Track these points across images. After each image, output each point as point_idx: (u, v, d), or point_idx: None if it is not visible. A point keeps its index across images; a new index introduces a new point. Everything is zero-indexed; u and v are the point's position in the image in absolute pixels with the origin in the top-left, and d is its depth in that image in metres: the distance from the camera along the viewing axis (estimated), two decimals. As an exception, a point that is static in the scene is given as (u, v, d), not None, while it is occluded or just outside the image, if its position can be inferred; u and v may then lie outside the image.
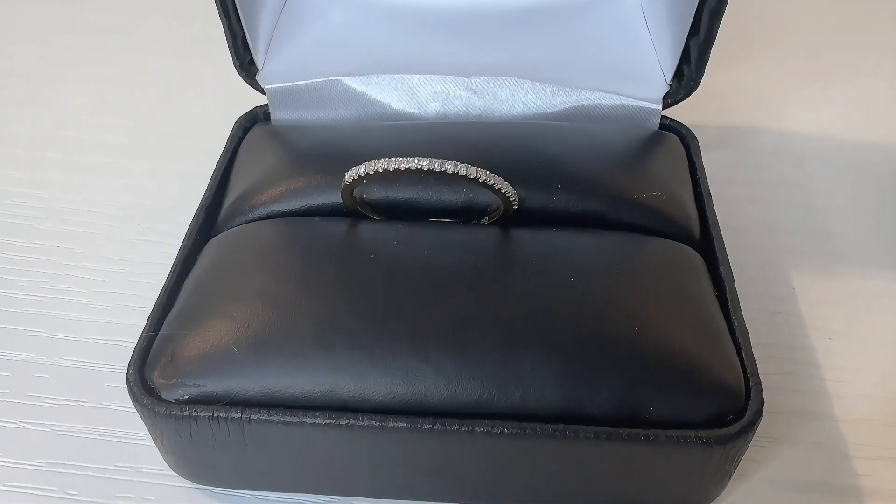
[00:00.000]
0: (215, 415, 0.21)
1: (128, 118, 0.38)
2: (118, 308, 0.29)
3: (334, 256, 0.23)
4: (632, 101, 0.29)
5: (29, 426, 0.26)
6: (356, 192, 0.24)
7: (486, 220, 0.24)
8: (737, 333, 0.22)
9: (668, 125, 0.30)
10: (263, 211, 0.25)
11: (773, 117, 0.37)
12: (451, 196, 0.25)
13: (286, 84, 0.30)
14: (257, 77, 0.30)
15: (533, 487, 0.22)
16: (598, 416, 0.20)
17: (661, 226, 0.25)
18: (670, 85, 0.30)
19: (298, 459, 0.22)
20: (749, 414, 0.21)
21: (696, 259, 0.24)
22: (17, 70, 0.41)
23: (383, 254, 0.23)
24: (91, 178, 0.35)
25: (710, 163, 0.34)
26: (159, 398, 0.21)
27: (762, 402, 0.21)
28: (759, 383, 0.21)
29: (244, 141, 0.29)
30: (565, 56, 0.31)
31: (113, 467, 0.24)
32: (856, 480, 0.24)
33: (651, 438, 0.20)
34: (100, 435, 0.25)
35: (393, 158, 0.21)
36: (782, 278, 0.30)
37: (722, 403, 0.21)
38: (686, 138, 0.29)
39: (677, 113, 0.30)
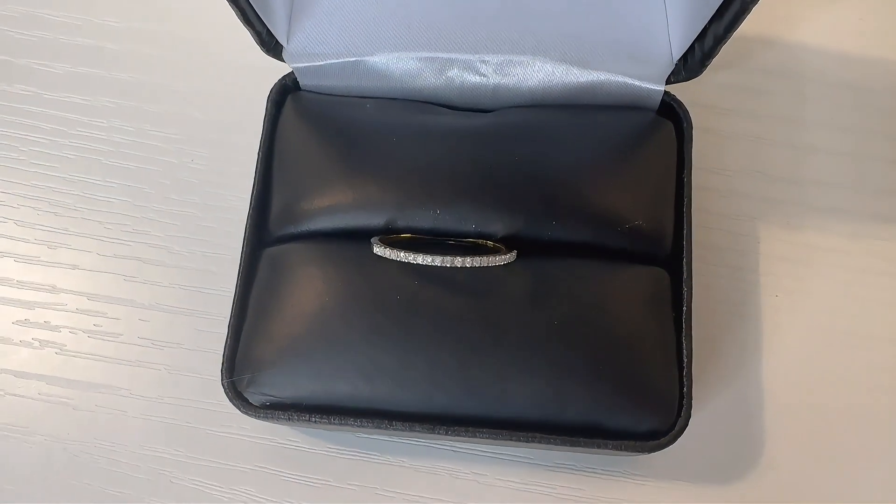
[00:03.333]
0: (289, 417, 0.29)
1: (159, 22, 0.39)
2: (193, 254, 0.35)
3: (369, 294, 0.28)
4: (636, 82, 0.31)
5: (144, 365, 0.34)
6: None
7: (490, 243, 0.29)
8: (683, 355, 0.29)
9: (669, 104, 0.32)
10: (310, 226, 0.30)
11: (784, 21, 0.37)
12: (465, 227, 0.29)
13: (313, 64, 0.32)
14: (283, 54, 0.32)
15: None
16: (567, 426, 0.28)
17: (638, 249, 0.30)
18: (676, 64, 0.31)
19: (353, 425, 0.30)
20: (677, 429, 0.28)
21: (663, 282, 0.30)
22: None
23: (406, 295, 0.28)
24: (136, 100, 0.38)
25: (713, 86, 0.37)
26: (248, 403, 0.29)
27: (689, 418, 0.28)
28: (691, 402, 0.28)
29: (280, 121, 0.32)
30: (577, 26, 0.31)
31: (216, 402, 0.33)
32: (762, 432, 0.32)
33: (600, 446, 0.28)
34: (200, 374, 0.34)
35: (413, 254, 0.26)
36: (751, 231, 0.34)
37: (660, 421, 0.28)
38: (682, 122, 0.32)
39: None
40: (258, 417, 0.29)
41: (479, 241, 0.29)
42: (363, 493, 0.32)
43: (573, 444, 0.28)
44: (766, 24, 0.38)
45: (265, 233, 0.32)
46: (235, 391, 0.29)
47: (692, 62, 0.30)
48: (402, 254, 0.26)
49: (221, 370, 0.29)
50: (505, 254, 0.27)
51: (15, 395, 0.34)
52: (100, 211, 0.36)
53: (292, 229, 0.31)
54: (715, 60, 0.37)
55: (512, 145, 0.30)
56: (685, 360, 0.29)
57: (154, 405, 0.33)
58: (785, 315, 0.34)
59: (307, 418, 0.29)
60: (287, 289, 0.30)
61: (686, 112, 0.32)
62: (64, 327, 0.34)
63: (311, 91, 0.33)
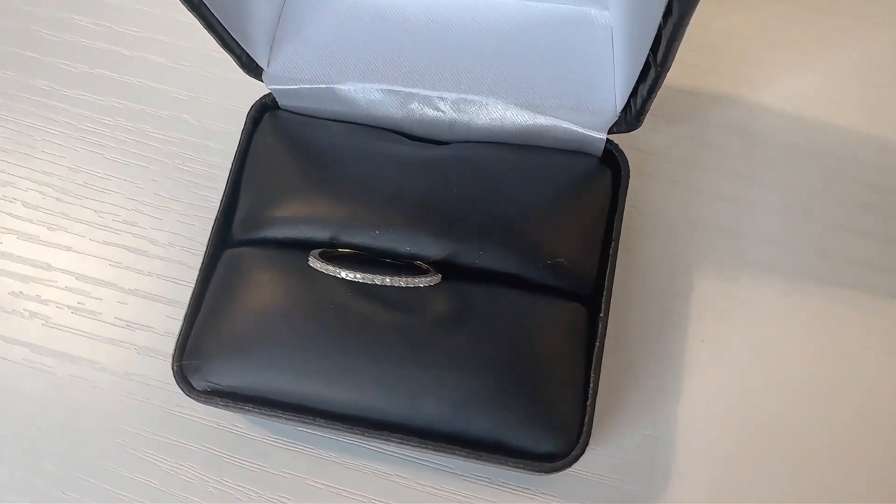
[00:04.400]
0: (226, 404, 0.32)
1: (170, 34, 0.43)
2: (172, 247, 0.39)
3: (307, 301, 0.31)
4: (580, 129, 0.34)
5: (117, 343, 0.38)
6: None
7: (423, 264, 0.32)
8: (589, 389, 0.31)
9: (611, 152, 0.34)
10: (266, 233, 0.33)
11: (749, 82, 0.39)
12: (400, 248, 0.32)
13: (289, 87, 0.35)
14: (263, 76, 0.35)
15: None
16: (473, 440, 0.31)
17: (561, 284, 0.32)
18: (619, 116, 0.33)
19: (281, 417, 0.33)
20: (573, 454, 0.30)
21: (580, 317, 0.32)
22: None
23: (342, 306, 0.31)
24: (142, 103, 0.41)
25: (667, 137, 0.39)
26: (192, 387, 0.32)
27: (587, 445, 0.30)
28: (590, 431, 0.31)
29: (255, 135, 0.36)
30: (532, 73, 0.34)
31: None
32: (668, 471, 0.34)
33: (501, 462, 0.30)
34: (166, 358, 0.37)
35: (346, 272, 0.29)
36: (685, 277, 0.36)
37: (559, 446, 0.30)
38: (620, 170, 0.34)
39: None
40: (199, 401, 0.32)
41: (413, 261, 0.32)
42: (293, 482, 0.35)
43: (476, 458, 0.30)
44: (729, 84, 0.39)
45: (229, 235, 0.35)
46: (182, 375, 0.32)
47: (630, 117, 0.33)
48: (330, 267, 0.29)
49: (173, 354, 0.33)
50: (429, 276, 0.30)
51: (3, 359, 0.38)
52: (97, 200, 0.40)
53: (252, 235, 0.34)
54: (675, 113, 0.39)
55: (457, 178, 0.33)
56: (591, 392, 0.31)
57: (121, 380, 0.37)
58: (707, 361, 0.35)
59: (241, 406, 0.32)
60: (238, 289, 0.33)
61: (626, 160, 0.34)
62: (52, 302, 0.38)
63: (287, 110, 0.36)
